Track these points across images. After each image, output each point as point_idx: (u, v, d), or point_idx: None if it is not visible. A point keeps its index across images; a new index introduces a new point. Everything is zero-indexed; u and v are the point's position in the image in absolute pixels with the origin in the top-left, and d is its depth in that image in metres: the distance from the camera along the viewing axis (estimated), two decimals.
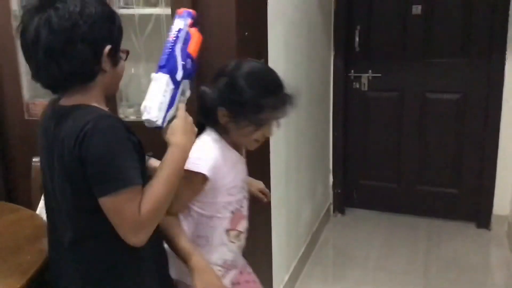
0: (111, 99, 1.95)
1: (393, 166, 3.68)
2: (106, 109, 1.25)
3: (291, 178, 2.72)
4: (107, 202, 1.14)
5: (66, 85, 1.22)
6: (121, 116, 1.98)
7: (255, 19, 2.03)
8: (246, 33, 1.88)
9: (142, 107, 1.25)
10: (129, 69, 2.01)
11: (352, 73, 3.61)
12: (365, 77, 3.58)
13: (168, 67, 1.27)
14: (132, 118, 1.99)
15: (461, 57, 3.36)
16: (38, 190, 1.79)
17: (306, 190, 3.08)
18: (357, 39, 3.53)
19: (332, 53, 3.51)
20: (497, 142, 3.32)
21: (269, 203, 2.30)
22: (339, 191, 3.73)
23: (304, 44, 2.85)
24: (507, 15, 3.13)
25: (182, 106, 1.30)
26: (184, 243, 1.37)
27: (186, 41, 1.33)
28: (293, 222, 2.80)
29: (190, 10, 1.38)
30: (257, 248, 2.19)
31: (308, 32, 2.92)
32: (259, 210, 2.20)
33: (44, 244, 1.35)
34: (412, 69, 3.50)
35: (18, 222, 1.65)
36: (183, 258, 1.36)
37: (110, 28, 1.21)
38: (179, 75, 1.29)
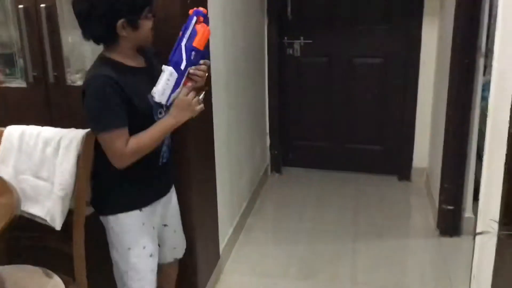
0: (60, 66, 2.06)
1: (325, 127, 3.96)
2: (133, 61, 1.69)
3: (232, 140, 2.91)
4: (98, 139, 1.62)
5: (97, 43, 1.66)
6: (69, 82, 2.08)
7: None
8: (189, 1, 2.02)
9: (152, 92, 1.63)
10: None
11: (286, 40, 3.82)
12: (297, 44, 3.80)
13: (173, 60, 1.64)
14: (79, 83, 2.09)
15: (384, 24, 3.66)
16: None
17: (246, 151, 3.29)
18: (289, 8, 3.74)
19: (266, 21, 3.69)
20: (416, 101, 3.67)
21: (213, 164, 2.50)
22: (275, 152, 3.97)
23: (240, 13, 3.01)
24: None
25: (184, 89, 1.66)
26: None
27: (192, 36, 1.66)
28: (235, 180, 3.01)
29: (200, 9, 1.66)
30: (204, 203, 2.39)
31: (243, 1, 3.08)
32: (204, 169, 2.39)
33: None
34: (340, 35, 3.76)
35: None
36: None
37: (124, 4, 1.57)
38: (183, 65, 1.64)
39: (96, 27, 1.60)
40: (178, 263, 2.11)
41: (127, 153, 1.60)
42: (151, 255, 1.80)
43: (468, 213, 3.00)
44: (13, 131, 1.81)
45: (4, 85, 2.18)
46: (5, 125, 1.87)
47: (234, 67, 2.89)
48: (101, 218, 1.79)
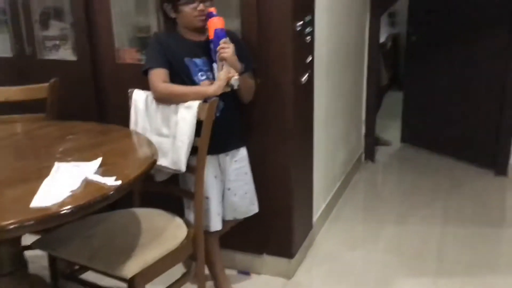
0: None
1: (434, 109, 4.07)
2: (191, 36, 2.16)
3: (330, 124, 3.15)
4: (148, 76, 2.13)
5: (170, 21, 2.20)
6: None
7: None
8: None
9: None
10: None
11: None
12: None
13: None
14: None
15: (504, 27, 3.70)
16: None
17: (342, 135, 3.51)
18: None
19: (368, 15, 3.87)
20: None
21: (311, 139, 2.76)
22: (370, 140, 4.15)
23: (343, 7, 3.23)
24: None
25: (222, 72, 2.08)
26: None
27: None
28: (330, 161, 3.25)
29: (211, 11, 2.10)
30: (301, 174, 2.66)
31: None
32: (303, 142, 2.66)
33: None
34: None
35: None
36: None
37: None
38: (213, 56, 2.13)
39: (160, 8, 2.21)
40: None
41: (158, 90, 2.08)
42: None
43: None
44: (139, 96, 2.21)
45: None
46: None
47: (336, 56, 3.12)
48: None
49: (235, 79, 2.08)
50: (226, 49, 2.06)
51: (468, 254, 2.84)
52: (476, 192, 3.62)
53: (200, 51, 2.16)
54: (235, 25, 2.31)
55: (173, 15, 2.16)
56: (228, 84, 2.08)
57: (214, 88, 2.07)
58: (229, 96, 2.16)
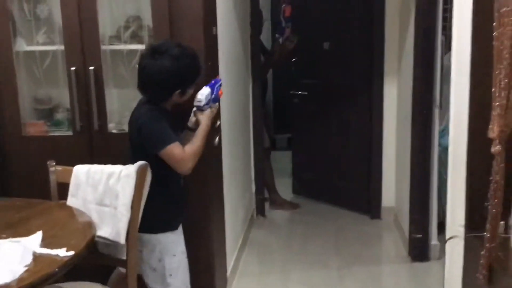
0: (103, 117, 2.48)
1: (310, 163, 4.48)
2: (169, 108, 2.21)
3: (233, 183, 3.35)
4: (163, 155, 2.08)
5: (151, 100, 2.19)
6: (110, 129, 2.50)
7: (213, 54, 2.67)
8: (210, 63, 2.52)
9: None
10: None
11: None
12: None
13: (211, 86, 2.26)
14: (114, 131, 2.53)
15: (357, 84, 4.32)
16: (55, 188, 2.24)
17: (240, 194, 3.71)
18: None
19: (251, 82, 4.24)
20: (381, 150, 4.24)
21: (223, 201, 2.93)
22: (260, 197, 4.42)
23: (235, 77, 3.53)
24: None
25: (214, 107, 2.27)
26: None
27: (219, 88, 2.31)
28: (234, 218, 3.42)
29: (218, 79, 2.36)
30: (218, 238, 2.79)
31: (238, 66, 3.61)
32: (218, 208, 2.81)
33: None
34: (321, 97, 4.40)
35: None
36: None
37: (182, 79, 2.13)
38: (213, 96, 2.26)
39: (160, 92, 2.14)
40: None
41: (187, 156, 2.10)
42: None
43: (434, 241, 3.50)
44: (80, 169, 2.20)
45: (51, 134, 2.57)
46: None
47: (233, 120, 3.38)
48: (146, 235, 2.18)
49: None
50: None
51: None
52: (358, 234, 4.04)
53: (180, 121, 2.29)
54: None
55: (176, 97, 2.17)
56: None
57: (206, 119, 2.21)
58: None
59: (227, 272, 3.03)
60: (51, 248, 1.61)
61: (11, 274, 1.44)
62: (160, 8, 2.34)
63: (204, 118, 2.22)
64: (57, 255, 1.57)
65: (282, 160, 5.21)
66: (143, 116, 2.14)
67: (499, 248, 1.86)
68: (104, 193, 2.12)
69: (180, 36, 2.35)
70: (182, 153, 2.09)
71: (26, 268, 1.48)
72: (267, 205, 4.51)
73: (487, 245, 1.82)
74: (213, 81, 2.31)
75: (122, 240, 2.05)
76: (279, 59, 4.44)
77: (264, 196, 4.48)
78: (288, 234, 4.11)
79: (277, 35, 4.62)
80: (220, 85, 2.33)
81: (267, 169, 4.51)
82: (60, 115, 2.72)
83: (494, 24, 1.70)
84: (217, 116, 2.42)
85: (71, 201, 2.17)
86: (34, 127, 2.60)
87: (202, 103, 2.21)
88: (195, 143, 2.15)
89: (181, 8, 2.36)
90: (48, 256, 1.57)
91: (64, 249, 1.60)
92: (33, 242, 1.65)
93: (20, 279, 1.42)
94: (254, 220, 4.34)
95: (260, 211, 4.42)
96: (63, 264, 1.52)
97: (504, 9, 1.63)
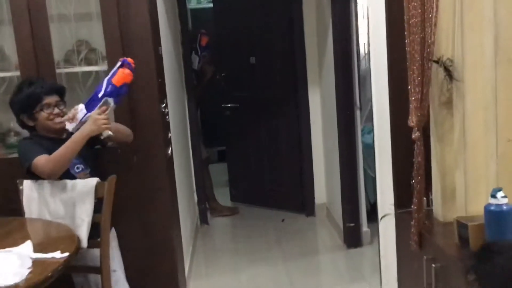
0: None
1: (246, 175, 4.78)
2: (52, 134, 2.35)
3: (181, 194, 3.55)
4: (32, 169, 2.25)
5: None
6: None
7: (160, 72, 2.89)
8: (160, 80, 2.75)
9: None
10: None
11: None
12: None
13: (95, 90, 2.24)
14: None
15: (282, 93, 4.71)
16: None
17: (186, 204, 3.92)
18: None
19: (186, 97, 4.48)
20: (311, 154, 4.64)
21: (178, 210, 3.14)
22: (202, 206, 4.64)
23: (175, 92, 3.76)
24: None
25: (97, 109, 2.22)
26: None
27: (113, 75, 2.21)
28: (184, 227, 3.61)
29: (127, 58, 2.28)
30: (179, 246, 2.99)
31: (176, 82, 3.85)
32: (175, 215, 3.01)
33: None
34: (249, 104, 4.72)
35: None
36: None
37: (20, 107, 2.33)
38: (100, 94, 2.21)
39: (17, 120, 2.41)
40: None
41: (45, 168, 2.21)
42: None
43: (365, 227, 3.92)
44: (29, 185, 2.33)
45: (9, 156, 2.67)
46: None
47: (177, 133, 3.60)
48: None
49: (108, 132, 2.23)
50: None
51: (312, 278, 3.52)
52: (297, 231, 4.38)
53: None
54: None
55: (30, 123, 2.36)
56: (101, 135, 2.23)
57: (89, 130, 2.21)
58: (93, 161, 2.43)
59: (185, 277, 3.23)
60: (45, 253, 1.76)
61: (17, 277, 1.58)
62: (112, 32, 2.55)
63: (86, 123, 2.23)
64: (53, 258, 1.72)
65: (215, 173, 5.41)
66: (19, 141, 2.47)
67: (425, 218, 2.25)
68: (59, 205, 2.27)
69: (132, 57, 2.55)
70: (40, 164, 2.22)
71: (29, 270, 1.63)
72: (208, 213, 4.74)
73: (415, 215, 2.20)
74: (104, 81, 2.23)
75: (84, 244, 2.19)
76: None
77: (206, 205, 4.71)
78: (232, 238, 4.38)
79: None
80: (116, 71, 2.23)
81: (207, 178, 4.74)
82: (12, 139, 2.83)
83: (405, 33, 2.10)
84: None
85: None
86: None
87: (71, 127, 2.26)
88: (60, 152, 2.22)
89: (130, 30, 2.58)
90: (45, 259, 1.72)
91: (58, 252, 1.76)
92: (25, 250, 1.79)
93: (27, 279, 1.57)
94: (198, 228, 4.55)
95: (204, 219, 4.65)
96: (62, 263, 1.68)
97: (413, 20, 2.03)
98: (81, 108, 2.26)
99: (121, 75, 2.22)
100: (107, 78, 2.24)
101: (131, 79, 2.26)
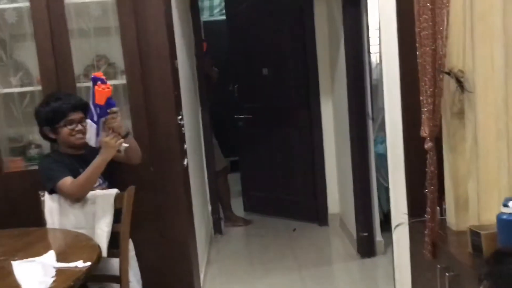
0: None
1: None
2: (70, 151, 2.46)
3: (195, 203, 3.60)
4: (56, 190, 2.34)
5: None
6: None
7: (177, 85, 2.96)
8: (176, 93, 2.82)
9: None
10: None
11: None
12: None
13: (89, 117, 2.38)
14: None
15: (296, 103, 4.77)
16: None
17: (200, 214, 3.97)
18: None
19: (200, 108, 4.55)
20: (324, 161, 4.67)
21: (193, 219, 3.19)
22: (217, 216, 4.69)
23: (190, 104, 3.83)
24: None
25: (103, 133, 2.34)
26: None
27: (93, 96, 2.32)
28: (199, 237, 3.67)
29: (95, 75, 2.37)
30: (194, 254, 3.04)
31: (190, 93, 3.92)
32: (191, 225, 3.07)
33: None
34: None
35: None
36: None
37: (46, 119, 2.43)
38: (95, 118, 2.34)
39: (40, 130, 2.51)
40: None
41: (70, 191, 2.31)
42: None
43: (378, 237, 3.94)
44: (51, 198, 2.40)
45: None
46: None
47: (192, 143, 3.66)
48: None
49: (123, 145, 2.37)
50: (116, 118, 2.35)
51: (326, 287, 3.54)
52: (311, 240, 4.40)
53: (83, 163, 2.43)
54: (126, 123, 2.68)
55: (52, 136, 2.46)
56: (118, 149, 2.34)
57: (107, 154, 2.33)
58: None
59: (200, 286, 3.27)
60: (67, 262, 1.82)
61: (42, 285, 1.64)
62: (130, 46, 2.62)
63: (101, 149, 2.35)
64: (76, 267, 1.78)
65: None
66: (39, 163, 2.56)
67: (439, 227, 2.27)
68: (79, 216, 2.34)
69: (150, 72, 2.63)
70: (66, 187, 2.32)
71: (53, 279, 1.69)
72: (222, 223, 4.79)
73: (429, 224, 2.23)
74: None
75: (104, 253, 2.23)
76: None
77: (220, 215, 4.76)
78: (246, 247, 4.41)
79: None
80: (95, 85, 2.30)
81: (225, 188, 4.80)
82: (33, 151, 2.91)
83: (416, 45, 2.14)
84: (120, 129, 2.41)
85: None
86: (13, 163, 2.76)
87: (92, 141, 2.39)
88: (84, 176, 2.34)
89: (148, 45, 2.65)
90: (68, 268, 1.78)
91: (81, 261, 1.81)
92: (49, 259, 1.86)
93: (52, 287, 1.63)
94: (212, 238, 4.59)
95: (218, 229, 4.69)
96: (85, 272, 1.74)
97: (424, 32, 2.07)
98: (90, 123, 2.37)
99: (100, 93, 2.31)
100: (91, 102, 2.36)
101: (111, 90, 2.33)
